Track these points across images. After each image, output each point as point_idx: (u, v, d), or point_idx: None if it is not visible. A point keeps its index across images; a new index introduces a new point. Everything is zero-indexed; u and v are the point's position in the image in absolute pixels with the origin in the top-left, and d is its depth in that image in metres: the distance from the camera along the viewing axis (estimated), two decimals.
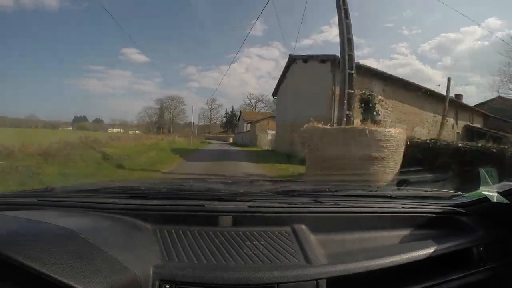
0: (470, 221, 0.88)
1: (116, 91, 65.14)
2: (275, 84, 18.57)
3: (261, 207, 0.87)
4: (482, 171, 0.90)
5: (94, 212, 0.82)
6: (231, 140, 41.07)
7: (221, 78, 70.16)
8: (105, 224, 0.74)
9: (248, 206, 0.86)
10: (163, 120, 52.38)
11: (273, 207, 0.88)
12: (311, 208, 0.88)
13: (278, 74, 17.01)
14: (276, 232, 0.77)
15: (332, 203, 0.92)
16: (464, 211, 0.92)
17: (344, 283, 0.65)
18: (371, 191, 1.11)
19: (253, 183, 1.57)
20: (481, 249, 0.79)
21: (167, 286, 0.60)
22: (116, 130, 48.07)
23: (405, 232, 0.85)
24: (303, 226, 0.80)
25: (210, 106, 59.98)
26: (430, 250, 0.75)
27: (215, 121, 61.04)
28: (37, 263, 0.50)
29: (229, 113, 59.32)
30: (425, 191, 1.09)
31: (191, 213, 0.82)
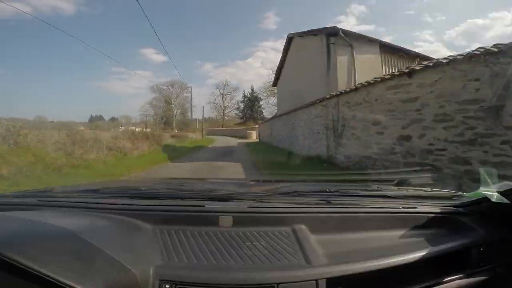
0: (470, 221, 0.88)
1: (139, 91, 63.67)
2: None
3: (261, 207, 0.88)
4: (482, 171, 0.90)
5: (94, 213, 0.82)
6: (254, 137, 26.81)
7: (237, 73, 66.39)
8: (105, 225, 0.74)
9: (248, 207, 0.86)
10: (170, 114, 43.02)
11: (273, 207, 0.88)
12: (311, 208, 0.88)
13: None
14: (276, 232, 0.77)
15: (332, 203, 0.92)
16: (464, 211, 0.92)
17: (344, 283, 0.65)
18: (371, 191, 1.11)
19: (253, 184, 1.57)
20: (481, 249, 0.79)
21: (167, 286, 0.60)
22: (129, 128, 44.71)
23: (405, 232, 0.85)
24: (303, 226, 0.80)
25: (222, 91, 47.65)
26: (430, 250, 0.75)
27: (230, 110, 48.62)
28: (37, 264, 0.50)
29: (248, 96, 46.48)
30: (425, 191, 1.09)
31: (191, 213, 0.82)
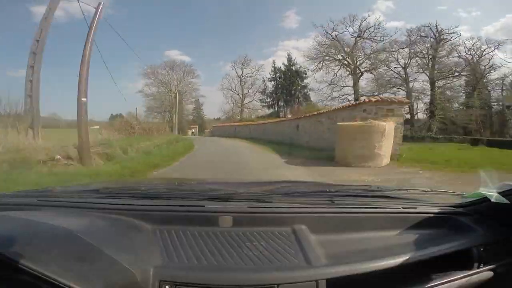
0: (470, 221, 0.88)
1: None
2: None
3: (261, 207, 0.88)
4: (482, 171, 0.90)
5: (94, 213, 0.82)
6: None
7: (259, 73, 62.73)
8: (105, 225, 0.74)
9: (248, 207, 0.86)
10: (169, 105, 31.89)
11: (273, 207, 0.88)
12: (311, 209, 0.88)
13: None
14: (276, 232, 0.77)
15: (332, 204, 0.92)
16: (464, 211, 0.92)
17: (344, 283, 0.65)
18: (371, 191, 1.11)
19: (253, 184, 1.57)
20: (481, 249, 0.79)
21: (167, 286, 0.60)
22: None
23: (405, 232, 0.85)
24: (303, 227, 0.80)
25: (241, 72, 32.07)
26: (430, 250, 0.75)
27: (251, 99, 33.05)
28: (37, 264, 0.50)
29: (284, 69, 29.73)
30: (425, 191, 1.09)
31: (191, 214, 0.82)
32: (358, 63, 27.92)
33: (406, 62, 25.87)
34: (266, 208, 0.87)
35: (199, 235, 0.74)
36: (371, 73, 27.49)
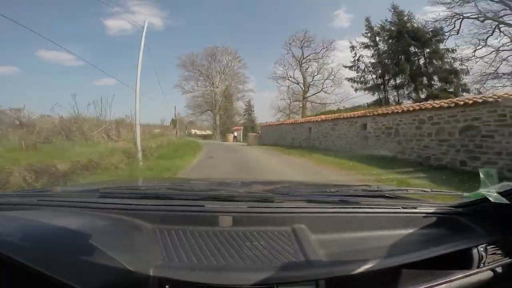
0: (470, 221, 0.88)
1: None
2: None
3: (261, 207, 0.88)
4: (481, 171, 0.90)
5: (94, 213, 0.82)
6: None
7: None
8: (105, 225, 0.74)
9: (248, 207, 0.86)
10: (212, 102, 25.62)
11: (273, 207, 0.88)
12: (311, 208, 0.88)
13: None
14: (275, 232, 0.77)
15: (332, 204, 0.92)
16: (464, 211, 0.92)
17: (344, 283, 0.65)
18: (371, 191, 1.11)
19: (253, 184, 1.57)
20: (481, 249, 0.79)
21: (167, 286, 0.60)
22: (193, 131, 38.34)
23: (405, 232, 0.85)
24: (303, 226, 0.80)
25: (300, 53, 23.24)
26: (430, 250, 0.75)
27: (318, 88, 23.37)
28: (37, 264, 0.50)
29: (398, 19, 16.64)
30: (425, 191, 1.10)
31: (191, 213, 0.82)
32: None
33: None
34: (266, 208, 0.87)
35: (199, 235, 0.74)
36: None
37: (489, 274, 0.80)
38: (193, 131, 40.06)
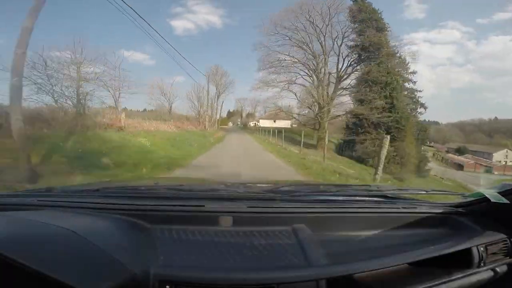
0: (470, 221, 0.88)
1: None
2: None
3: (261, 207, 0.88)
4: (482, 171, 0.90)
5: (94, 213, 0.82)
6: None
7: None
8: (105, 225, 0.74)
9: (248, 207, 0.86)
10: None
11: (273, 207, 0.88)
12: (311, 208, 0.88)
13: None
14: (276, 232, 0.77)
15: (332, 203, 0.92)
16: (464, 211, 0.92)
17: (344, 283, 0.65)
18: (371, 191, 1.11)
19: (253, 184, 1.57)
20: (481, 249, 0.79)
21: (167, 286, 0.60)
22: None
23: (405, 232, 0.85)
24: (303, 226, 0.80)
25: None
26: (430, 250, 0.75)
27: None
28: (37, 264, 0.50)
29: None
30: (425, 192, 1.10)
31: (191, 214, 0.82)
32: None
33: None
34: (265, 208, 0.87)
35: (199, 235, 0.74)
36: None
37: (489, 274, 0.80)
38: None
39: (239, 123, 43.27)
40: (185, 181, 1.79)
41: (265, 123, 33.49)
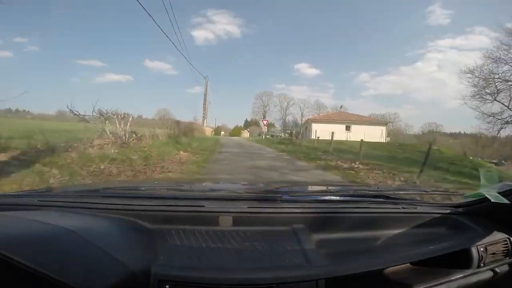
0: (470, 221, 0.88)
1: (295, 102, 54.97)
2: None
3: (261, 207, 0.88)
4: (481, 171, 0.90)
5: (94, 213, 0.82)
6: None
7: (401, 81, 53.13)
8: (105, 225, 0.74)
9: (248, 207, 0.86)
10: None
11: (273, 207, 0.88)
12: (311, 209, 0.88)
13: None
14: (276, 232, 0.77)
15: (332, 203, 0.92)
16: (464, 211, 0.92)
17: (344, 283, 0.65)
18: (371, 191, 1.11)
19: (253, 184, 1.57)
20: (481, 249, 0.79)
21: (167, 286, 0.60)
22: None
23: (405, 232, 0.85)
24: (303, 226, 0.80)
25: None
26: (430, 250, 0.75)
27: None
28: (37, 264, 0.50)
29: None
30: (425, 191, 1.10)
31: (191, 214, 0.82)
32: None
33: None
34: (265, 208, 0.87)
35: (199, 235, 0.74)
36: None
37: (489, 274, 0.80)
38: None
39: (264, 131, 32.48)
40: (185, 181, 1.79)
41: (324, 129, 19.07)
